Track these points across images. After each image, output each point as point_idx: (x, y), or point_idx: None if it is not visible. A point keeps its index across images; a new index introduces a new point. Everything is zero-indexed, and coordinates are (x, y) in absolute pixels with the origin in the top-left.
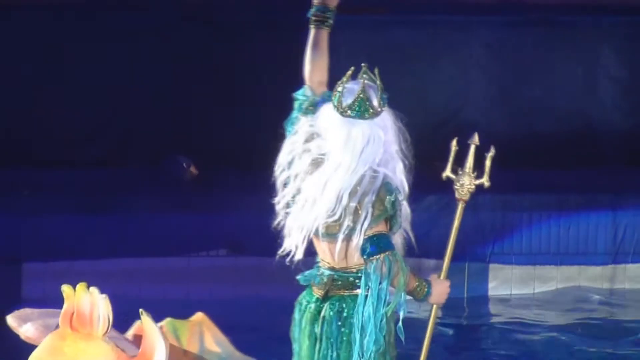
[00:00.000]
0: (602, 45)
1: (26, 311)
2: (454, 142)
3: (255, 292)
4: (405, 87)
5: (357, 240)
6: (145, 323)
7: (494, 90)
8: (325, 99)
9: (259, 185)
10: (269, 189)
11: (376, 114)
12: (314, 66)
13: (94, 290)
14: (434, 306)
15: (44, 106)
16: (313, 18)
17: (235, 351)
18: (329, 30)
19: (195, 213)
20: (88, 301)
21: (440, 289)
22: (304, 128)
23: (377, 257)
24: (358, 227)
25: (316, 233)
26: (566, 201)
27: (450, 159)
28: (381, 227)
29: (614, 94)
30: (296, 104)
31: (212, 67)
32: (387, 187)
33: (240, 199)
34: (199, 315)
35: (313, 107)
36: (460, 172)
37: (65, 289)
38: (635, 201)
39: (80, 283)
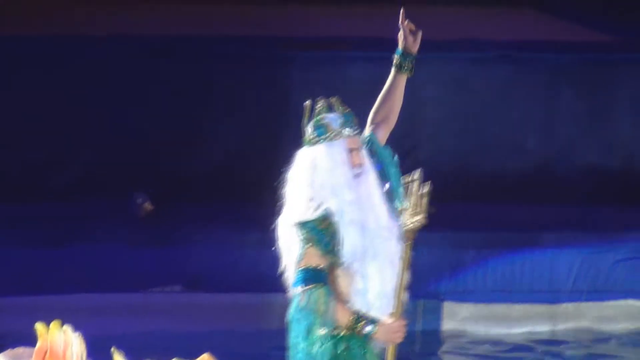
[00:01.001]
0: (561, 82)
1: (18, 350)
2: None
3: (210, 328)
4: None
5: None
6: None
7: (453, 126)
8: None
9: (218, 218)
10: (229, 223)
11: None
12: (382, 104)
13: (67, 328)
14: (391, 346)
15: (4, 140)
16: (394, 61)
17: None
18: (408, 75)
19: (154, 247)
20: (62, 339)
21: (389, 327)
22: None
23: (297, 290)
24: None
25: None
26: (522, 238)
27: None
28: (308, 259)
29: (573, 131)
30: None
31: (173, 101)
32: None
33: (200, 233)
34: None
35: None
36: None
37: (39, 327)
38: (593, 238)
39: (54, 321)
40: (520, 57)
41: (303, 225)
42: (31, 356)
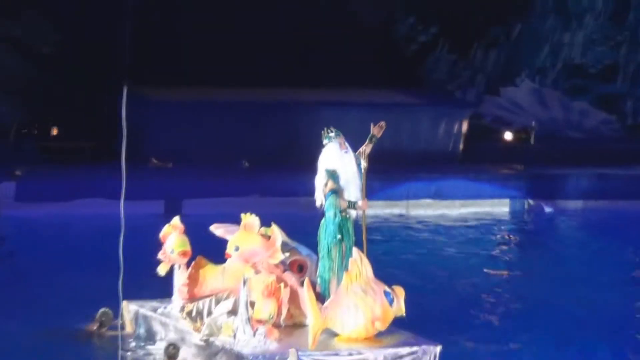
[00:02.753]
0: None
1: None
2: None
3: None
4: None
5: (324, 191)
6: (274, 228)
7: None
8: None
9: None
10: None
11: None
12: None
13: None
14: (362, 212)
15: None
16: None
17: (292, 242)
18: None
19: None
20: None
21: (363, 203)
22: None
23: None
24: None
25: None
26: None
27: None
28: (330, 186)
29: None
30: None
31: None
32: (326, 170)
33: None
34: (273, 224)
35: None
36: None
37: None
38: None
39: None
40: None
41: (327, 173)
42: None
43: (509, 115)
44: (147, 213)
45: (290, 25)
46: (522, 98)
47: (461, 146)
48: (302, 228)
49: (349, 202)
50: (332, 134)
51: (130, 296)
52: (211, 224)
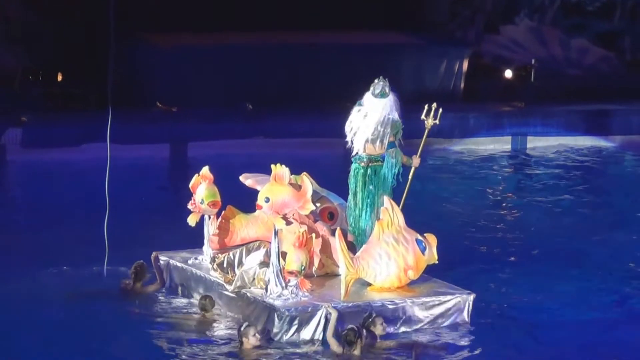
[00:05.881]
0: None
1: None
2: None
3: None
4: None
5: (386, 142)
6: (304, 178)
7: None
8: None
9: None
10: None
11: (388, 96)
12: None
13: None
14: (413, 168)
15: None
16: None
17: (322, 190)
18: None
19: None
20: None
21: (417, 160)
22: (354, 111)
23: (390, 149)
24: (388, 136)
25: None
26: None
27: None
28: (391, 138)
29: None
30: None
31: None
32: (394, 121)
33: None
34: (305, 174)
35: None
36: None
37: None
38: None
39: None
40: None
41: (398, 124)
42: (265, 182)
43: (509, 54)
44: (152, 156)
45: None
46: (521, 36)
47: (462, 85)
48: (305, 168)
49: (407, 158)
50: (387, 87)
51: (135, 239)
52: (215, 165)
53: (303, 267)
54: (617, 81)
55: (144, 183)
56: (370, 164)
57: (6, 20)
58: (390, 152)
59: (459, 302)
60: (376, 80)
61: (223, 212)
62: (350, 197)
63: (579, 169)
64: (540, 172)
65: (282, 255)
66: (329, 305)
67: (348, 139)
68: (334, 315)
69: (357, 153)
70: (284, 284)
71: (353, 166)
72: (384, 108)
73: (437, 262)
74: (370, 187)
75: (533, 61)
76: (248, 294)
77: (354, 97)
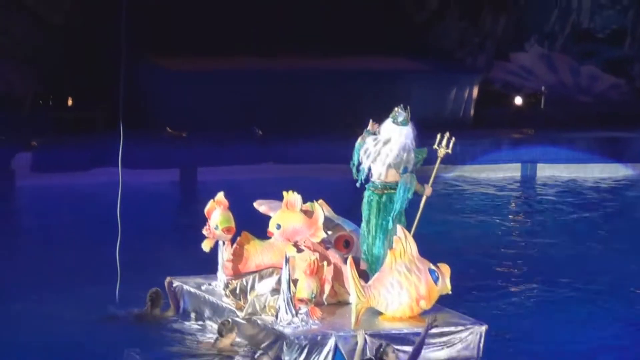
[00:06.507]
0: None
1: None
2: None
3: None
4: None
5: (402, 168)
6: (316, 206)
7: None
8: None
9: None
10: None
11: (408, 124)
12: None
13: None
14: (425, 197)
15: None
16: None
17: (338, 217)
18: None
19: None
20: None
21: (429, 190)
22: (370, 138)
23: (405, 174)
24: (409, 164)
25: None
26: None
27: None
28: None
29: None
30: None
31: None
32: (418, 149)
33: None
34: (321, 201)
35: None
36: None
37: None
38: None
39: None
40: None
41: (421, 152)
42: (277, 209)
43: (519, 80)
44: (162, 181)
45: None
46: (531, 63)
47: (472, 111)
48: (315, 194)
49: (420, 186)
50: (408, 116)
51: (148, 263)
52: (225, 190)
53: (314, 295)
54: (627, 108)
55: (154, 207)
56: (385, 192)
57: (16, 44)
58: (405, 177)
59: (471, 333)
60: (397, 109)
61: (238, 238)
62: (363, 224)
63: (589, 195)
64: (550, 199)
65: (294, 282)
66: (363, 331)
67: (364, 165)
68: (360, 343)
69: (371, 180)
70: (294, 312)
71: (367, 194)
72: (407, 136)
73: (450, 292)
74: (385, 214)
75: (543, 88)
76: (259, 321)
77: (363, 123)
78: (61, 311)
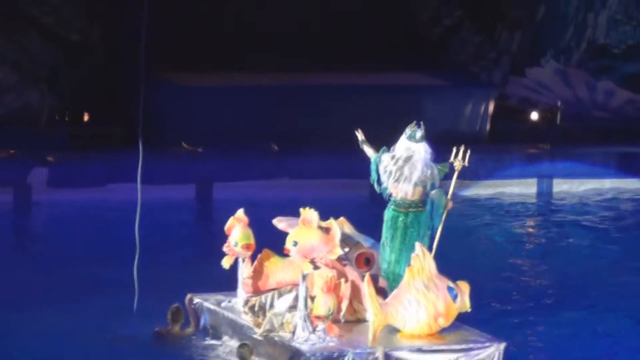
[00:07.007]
0: None
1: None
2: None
3: None
4: None
5: (429, 185)
6: (333, 223)
7: None
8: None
9: None
10: None
11: (424, 141)
12: None
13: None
14: (445, 212)
15: None
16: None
17: (359, 234)
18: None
19: None
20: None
21: (450, 204)
22: (386, 156)
23: (433, 191)
24: (435, 179)
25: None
26: None
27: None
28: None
29: None
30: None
31: None
32: (440, 163)
33: None
34: (342, 219)
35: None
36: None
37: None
38: None
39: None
40: None
41: (445, 168)
42: (295, 225)
43: (535, 96)
44: (178, 197)
45: (316, 10)
46: (547, 78)
47: (488, 127)
48: (332, 212)
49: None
50: (421, 134)
51: (165, 280)
52: (242, 207)
53: (331, 312)
54: None
55: (171, 223)
56: (410, 210)
57: (33, 60)
58: (434, 194)
59: (491, 352)
60: (413, 125)
61: (259, 255)
62: (384, 242)
63: (606, 211)
64: (566, 214)
65: (312, 299)
66: (382, 348)
67: (388, 184)
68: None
69: (392, 198)
70: (311, 329)
71: (390, 213)
72: (426, 151)
73: (469, 310)
74: (411, 232)
75: (559, 103)
76: (276, 338)
77: (380, 138)
78: (74, 330)
